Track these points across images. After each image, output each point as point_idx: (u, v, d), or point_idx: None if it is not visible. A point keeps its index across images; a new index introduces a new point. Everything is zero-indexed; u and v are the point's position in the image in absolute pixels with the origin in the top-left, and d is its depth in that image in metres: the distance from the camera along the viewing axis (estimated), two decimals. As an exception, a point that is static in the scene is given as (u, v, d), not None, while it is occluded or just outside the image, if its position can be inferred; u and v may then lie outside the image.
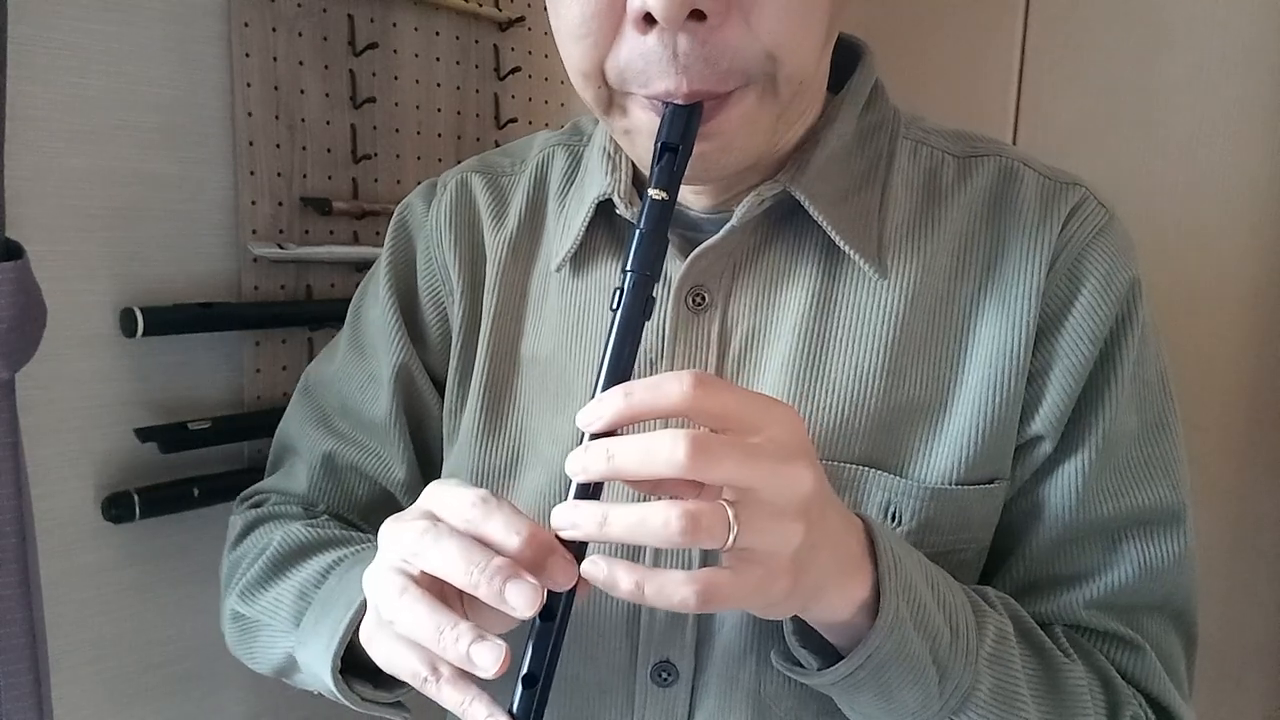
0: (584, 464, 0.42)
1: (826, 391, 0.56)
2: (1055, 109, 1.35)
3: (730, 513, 0.40)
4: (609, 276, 0.62)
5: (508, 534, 0.43)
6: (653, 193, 0.48)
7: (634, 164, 0.61)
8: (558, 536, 0.43)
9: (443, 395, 0.68)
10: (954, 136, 0.62)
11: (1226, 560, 1.26)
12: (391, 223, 0.72)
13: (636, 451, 0.41)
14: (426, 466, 0.71)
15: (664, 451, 0.40)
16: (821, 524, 0.44)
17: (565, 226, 0.64)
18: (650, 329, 0.58)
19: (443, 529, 0.44)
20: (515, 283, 0.66)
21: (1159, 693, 0.58)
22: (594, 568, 0.42)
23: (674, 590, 0.40)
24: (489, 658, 0.41)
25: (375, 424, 0.70)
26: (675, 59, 0.47)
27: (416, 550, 0.44)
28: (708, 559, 0.55)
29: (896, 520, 0.56)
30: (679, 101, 0.48)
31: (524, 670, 0.43)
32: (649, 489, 0.43)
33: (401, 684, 0.55)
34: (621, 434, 0.43)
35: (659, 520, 0.40)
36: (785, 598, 0.44)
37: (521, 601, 0.41)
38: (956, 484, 0.56)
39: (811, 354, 0.57)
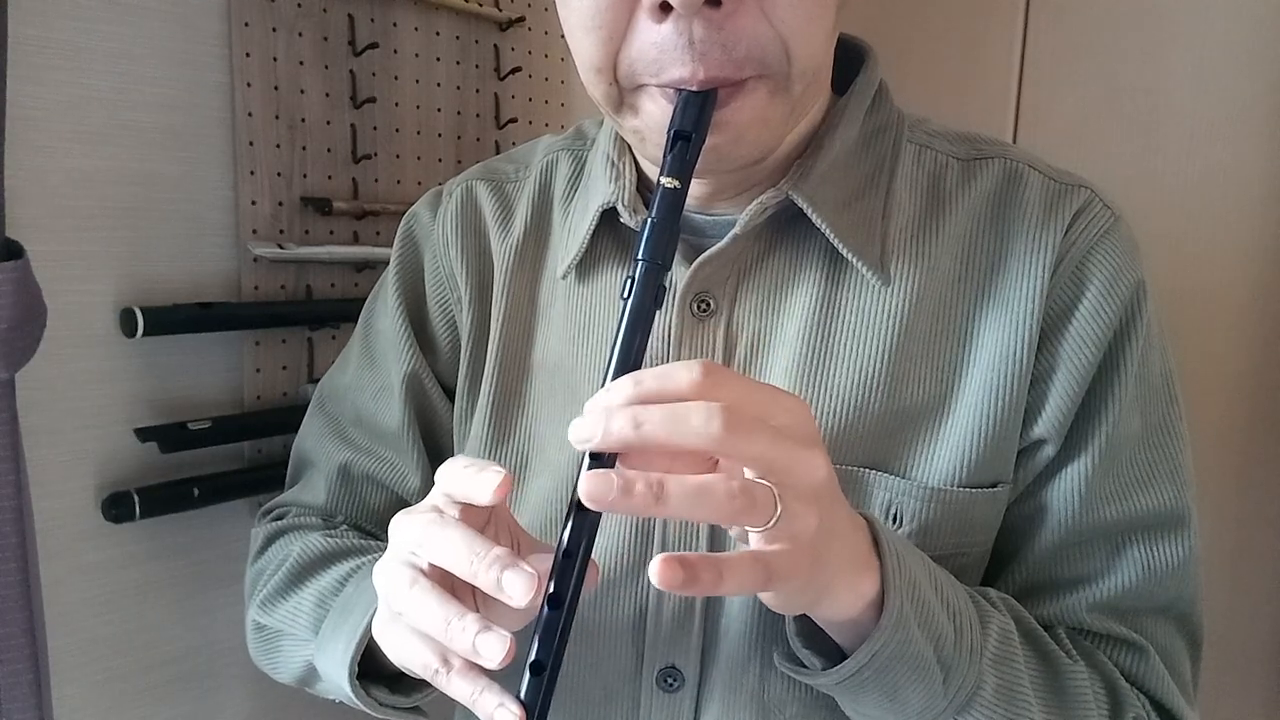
0: (608, 428, 0.40)
1: (830, 396, 0.56)
2: (1055, 109, 1.35)
3: (775, 493, 0.40)
4: (615, 283, 0.62)
5: (485, 492, 0.43)
6: (665, 181, 0.48)
7: (638, 171, 0.61)
8: (576, 502, 0.42)
9: (453, 403, 0.68)
10: (959, 139, 0.62)
11: (1227, 560, 1.26)
12: (398, 232, 0.72)
13: (667, 419, 0.39)
14: None
15: (698, 422, 0.38)
16: (832, 513, 0.44)
17: (570, 233, 0.64)
18: (655, 336, 0.58)
19: (447, 519, 0.45)
20: (522, 289, 0.66)
21: (1162, 695, 0.58)
22: (666, 567, 0.38)
23: (745, 573, 0.40)
24: (495, 649, 0.41)
25: (389, 433, 0.70)
26: (691, 46, 0.47)
27: (421, 541, 0.45)
28: (714, 545, 0.56)
29: (897, 521, 0.56)
30: (693, 89, 0.48)
31: (531, 658, 0.43)
32: (662, 466, 0.41)
33: (418, 689, 0.56)
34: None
35: (722, 492, 0.39)
36: (803, 587, 0.43)
37: (518, 590, 0.40)
38: (958, 487, 0.56)
39: (815, 359, 0.57)
